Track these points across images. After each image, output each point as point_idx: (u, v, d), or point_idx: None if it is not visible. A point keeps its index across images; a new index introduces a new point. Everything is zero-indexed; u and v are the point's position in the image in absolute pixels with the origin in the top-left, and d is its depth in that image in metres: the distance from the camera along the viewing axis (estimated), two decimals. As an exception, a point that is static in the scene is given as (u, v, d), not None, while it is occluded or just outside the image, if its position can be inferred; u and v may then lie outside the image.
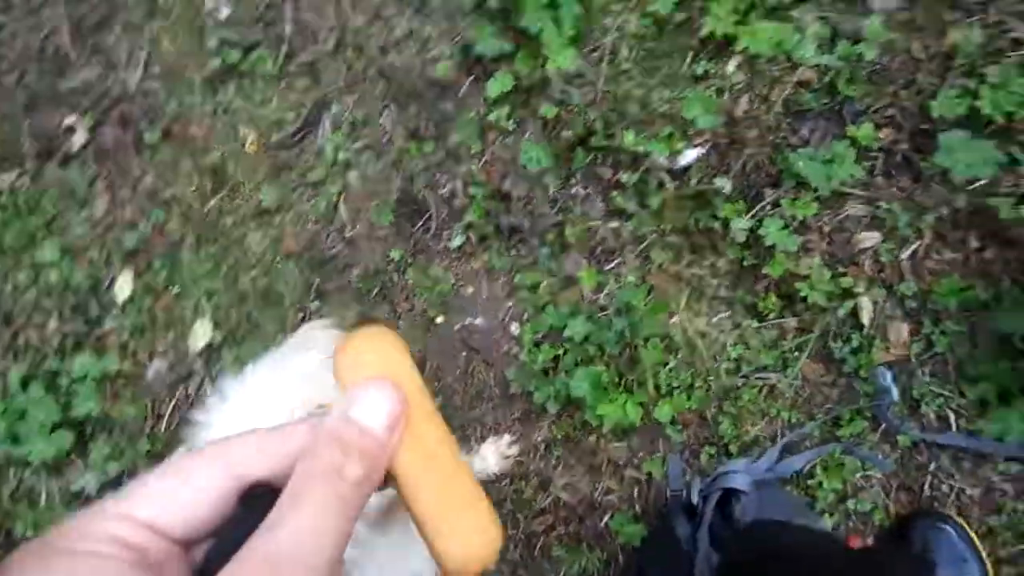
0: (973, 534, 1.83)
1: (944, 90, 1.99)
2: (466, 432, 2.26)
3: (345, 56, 2.48)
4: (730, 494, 1.78)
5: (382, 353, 0.59)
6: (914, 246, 2.02)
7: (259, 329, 2.50)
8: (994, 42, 2.01)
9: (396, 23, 2.45)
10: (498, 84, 2.28)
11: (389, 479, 0.57)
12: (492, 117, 2.32)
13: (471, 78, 2.38)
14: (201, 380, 2.53)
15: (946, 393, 1.94)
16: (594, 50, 2.26)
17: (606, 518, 2.13)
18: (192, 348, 2.53)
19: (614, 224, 2.21)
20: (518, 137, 2.31)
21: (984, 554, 1.81)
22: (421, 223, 2.39)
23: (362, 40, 2.46)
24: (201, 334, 2.54)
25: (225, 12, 2.55)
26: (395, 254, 2.37)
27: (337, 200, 2.46)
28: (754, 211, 2.08)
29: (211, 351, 2.52)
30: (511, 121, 2.31)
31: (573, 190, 2.26)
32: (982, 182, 1.98)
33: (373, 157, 2.45)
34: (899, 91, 2.05)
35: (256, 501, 0.52)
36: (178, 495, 0.51)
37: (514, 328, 2.26)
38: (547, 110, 2.24)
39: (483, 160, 2.34)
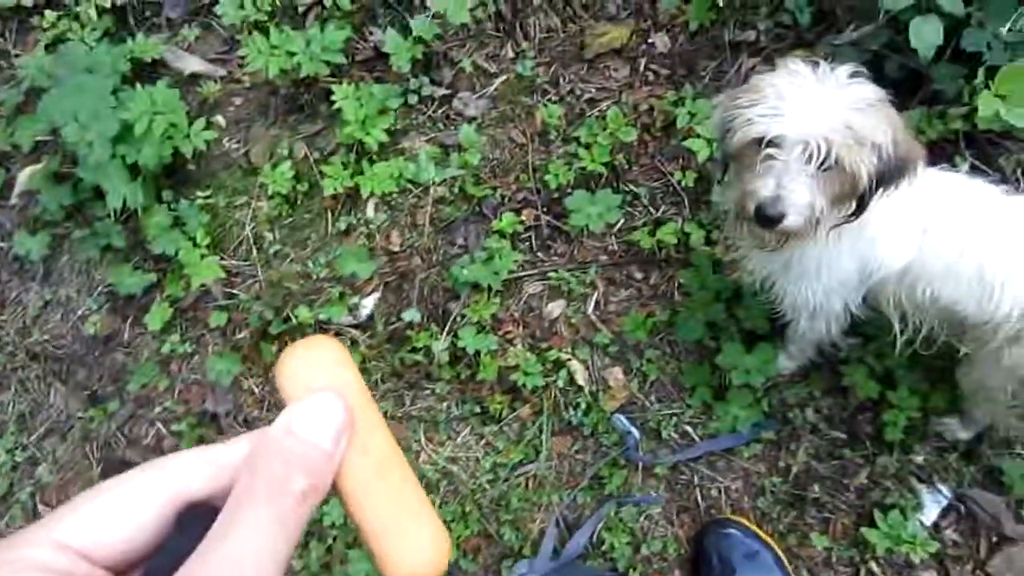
0: (753, 525, 1.94)
1: (553, 161, 2.22)
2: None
3: (-17, 353, 2.26)
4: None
5: (325, 363, 0.57)
6: (594, 298, 2.18)
7: None
8: (573, 108, 2.29)
9: (27, 300, 2.29)
10: (157, 316, 2.19)
11: (335, 490, 0.54)
12: (166, 348, 2.21)
13: (128, 320, 2.26)
14: None
15: (676, 411, 2.08)
16: (239, 245, 2.25)
17: None
18: None
19: (329, 397, 2.16)
20: (202, 355, 2.22)
21: (768, 538, 1.92)
22: (138, 484, 2.18)
23: (-5, 330, 2.26)
24: None
25: None
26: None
27: (34, 503, 2.18)
28: (447, 328, 2.14)
29: None
30: (187, 343, 2.21)
31: (276, 382, 2.19)
32: (620, 223, 2.20)
33: (57, 441, 2.22)
34: (519, 175, 2.24)
35: (194, 522, 0.49)
36: (110, 519, 0.49)
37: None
38: (217, 318, 2.18)
39: (176, 392, 2.21)
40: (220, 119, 2.31)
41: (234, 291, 2.22)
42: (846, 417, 2.02)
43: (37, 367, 2.25)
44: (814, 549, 1.93)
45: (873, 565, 1.89)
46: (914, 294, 1.58)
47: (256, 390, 2.18)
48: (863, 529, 1.90)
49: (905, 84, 2.06)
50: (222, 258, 2.22)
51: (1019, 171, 1.98)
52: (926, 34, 1.81)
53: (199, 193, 2.26)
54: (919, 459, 1.93)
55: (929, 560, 1.87)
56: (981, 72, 1.74)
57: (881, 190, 1.39)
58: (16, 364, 2.25)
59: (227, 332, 2.22)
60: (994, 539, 1.89)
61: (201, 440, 2.16)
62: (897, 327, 1.70)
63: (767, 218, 1.39)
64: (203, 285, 2.19)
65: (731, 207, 1.53)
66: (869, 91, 1.35)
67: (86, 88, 2.06)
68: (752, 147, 1.38)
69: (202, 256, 2.18)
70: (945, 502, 1.92)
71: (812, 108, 1.32)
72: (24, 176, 2.27)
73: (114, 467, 2.17)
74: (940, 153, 1.95)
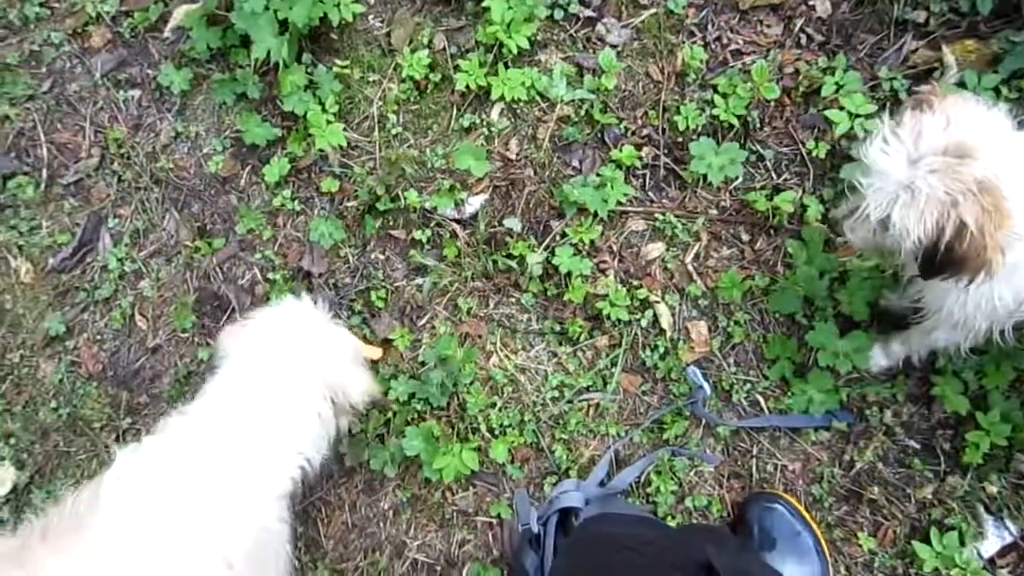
0: (802, 507, 1.92)
1: (685, 104, 2.16)
2: (311, 515, 2.16)
3: (112, 169, 2.39)
4: (568, 514, 1.78)
5: None
6: (695, 249, 2.15)
7: (69, 459, 2.30)
8: (716, 56, 2.22)
9: (160, 128, 2.39)
10: (275, 169, 2.26)
11: None
12: (277, 202, 2.29)
13: (248, 168, 2.35)
14: (14, 525, 2.28)
15: (751, 379, 2.05)
16: (364, 120, 2.30)
17: (464, 570, 2.07)
18: (-4, 495, 2.30)
19: (418, 281, 2.21)
20: (308, 216, 2.30)
21: (814, 524, 1.89)
22: (225, 317, 2.30)
23: (128, 151, 2.38)
24: (4, 480, 2.31)
25: (-30, 147, 2.41)
26: (203, 354, 2.26)
27: (132, 312, 2.33)
28: (545, 243, 2.15)
29: (18, 495, 2.30)
30: (296, 202, 2.29)
31: (372, 255, 2.25)
32: (738, 180, 2.14)
33: (163, 262, 2.35)
34: (648, 112, 2.20)
35: None
36: None
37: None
38: (329, 184, 2.24)
39: (277, 244, 2.30)
40: (371, -6, 2.34)
41: (350, 163, 2.27)
42: (925, 428, 1.95)
43: (158, 191, 2.37)
44: (859, 549, 1.90)
45: (916, 581, 1.85)
46: None
47: (351, 259, 2.25)
48: (915, 543, 1.85)
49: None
50: (345, 128, 2.27)
51: None
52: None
53: (337, 62, 2.30)
54: (992, 489, 1.86)
55: (976, 592, 1.81)
56: None
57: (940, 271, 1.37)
58: (140, 184, 2.37)
59: (336, 200, 2.28)
60: (1051, 589, 1.81)
61: (291, 294, 2.25)
62: None
63: None
64: (322, 150, 2.25)
65: None
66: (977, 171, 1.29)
67: (255, -65, 2.11)
68: None
69: (328, 122, 2.23)
70: (1009, 539, 1.85)
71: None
72: (180, 12, 2.35)
73: (208, 297, 2.30)
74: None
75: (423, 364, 2.15)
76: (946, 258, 1.34)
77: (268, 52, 2.16)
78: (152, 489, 1.50)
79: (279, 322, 1.80)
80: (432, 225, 2.21)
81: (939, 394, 1.90)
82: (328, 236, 2.21)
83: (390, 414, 2.13)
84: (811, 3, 2.19)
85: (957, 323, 1.60)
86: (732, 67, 2.17)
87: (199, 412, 1.65)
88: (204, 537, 1.48)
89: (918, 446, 1.94)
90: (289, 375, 1.71)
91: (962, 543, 1.81)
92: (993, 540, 1.84)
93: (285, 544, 1.71)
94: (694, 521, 1.99)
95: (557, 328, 2.14)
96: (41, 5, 2.49)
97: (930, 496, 1.89)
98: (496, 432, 2.09)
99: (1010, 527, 1.83)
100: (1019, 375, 1.86)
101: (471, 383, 2.10)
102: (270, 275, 2.28)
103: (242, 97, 2.33)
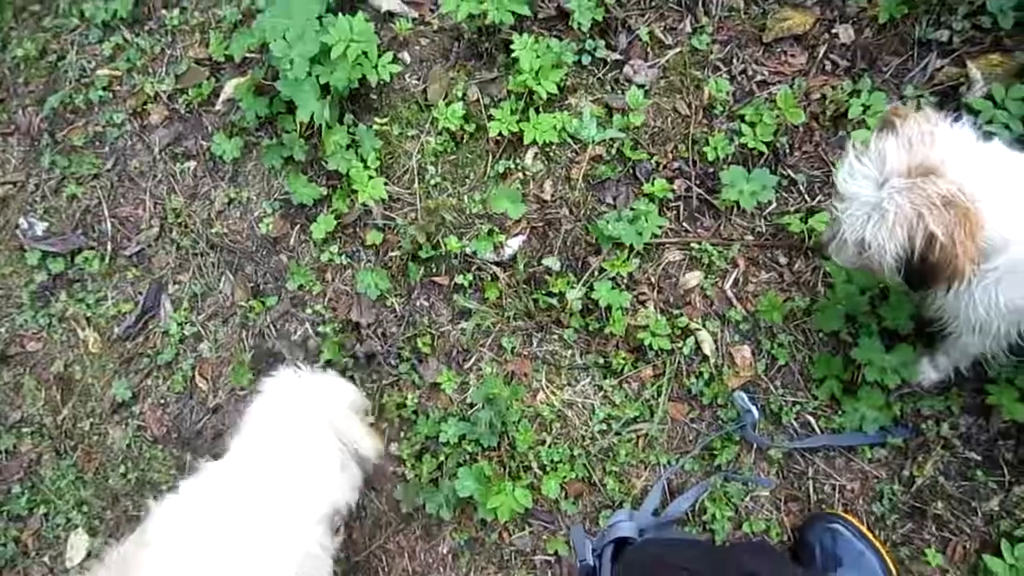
0: (863, 526, 1.88)
1: (714, 136, 2.22)
2: (372, 565, 2.18)
3: (171, 237, 2.53)
4: (622, 545, 1.77)
5: None
6: (733, 275, 2.17)
7: (139, 523, 2.37)
8: (743, 87, 2.28)
9: (215, 196, 2.54)
10: (322, 226, 2.38)
11: None
12: (325, 257, 2.40)
13: (297, 227, 2.47)
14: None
15: (800, 400, 2.04)
16: (404, 173, 2.41)
17: (526, 612, 2.07)
18: (71, 563, 2.37)
19: (462, 324, 2.28)
20: (355, 268, 2.39)
21: (878, 543, 1.85)
22: (281, 374, 2.38)
23: (185, 219, 2.53)
24: (78, 547, 2.39)
25: (40, 228, 2.58)
26: (261, 411, 2.34)
27: (193, 374, 2.44)
28: (584, 279, 2.20)
29: (92, 560, 2.38)
30: (343, 256, 2.39)
31: (417, 303, 2.33)
32: (772, 205, 2.18)
33: (220, 323, 2.46)
34: (678, 145, 2.26)
35: None
36: None
37: (393, 448, 2.24)
38: (373, 236, 2.34)
39: (327, 298, 2.40)
40: (406, 55, 2.47)
41: (392, 215, 2.38)
42: (985, 439, 1.91)
43: (214, 256, 2.50)
44: (928, 566, 1.85)
45: (990, 595, 1.79)
46: None
47: (397, 308, 2.33)
48: (986, 556, 1.79)
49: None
50: (387, 183, 2.38)
51: None
52: None
53: (376, 120, 2.43)
54: (1061, 497, 1.80)
55: (1053, 603, 1.75)
56: None
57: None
58: (197, 251, 2.51)
59: (380, 251, 2.38)
60: None
61: (341, 346, 2.33)
62: None
63: None
64: (366, 204, 2.36)
65: None
66: (941, 186, 1.35)
67: (296, 11, 2.27)
68: None
69: (370, 177, 2.35)
70: (1083, 546, 1.79)
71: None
72: (230, 86, 2.53)
73: (264, 354, 2.39)
74: None
75: (471, 405, 2.20)
76: (922, 269, 1.40)
77: (312, 115, 2.30)
78: (195, 524, 1.59)
79: (283, 387, 1.92)
80: (473, 269, 2.29)
81: (995, 403, 1.86)
82: (374, 286, 2.30)
83: (443, 457, 2.16)
84: (834, 31, 2.25)
85: (975, 327, 1.61)
86: (758, 97, 2.23)
87: (228, 459, 1.78)
88: (247, 565, 1.56)
89: (980, 458, 1.89)
90: (300, 424, 1.83)
91: (1035, 554, 1.75)
92: (1067, 549, 1.78)
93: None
94: (754, 547, 1.96)
95: (601, 361, 2.17)
96: (104, 89, 2.69)
97: (997, 508, 1.84)
98: (547, 468, 2.10)
99: (1083, 534, 1.77)
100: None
101: (519, 421, 2.14)
102: (320, 328, 2.37)
103: (289, 160, 2.46)
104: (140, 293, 2.52)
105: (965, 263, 1.37)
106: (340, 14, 2.31)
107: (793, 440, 2.00)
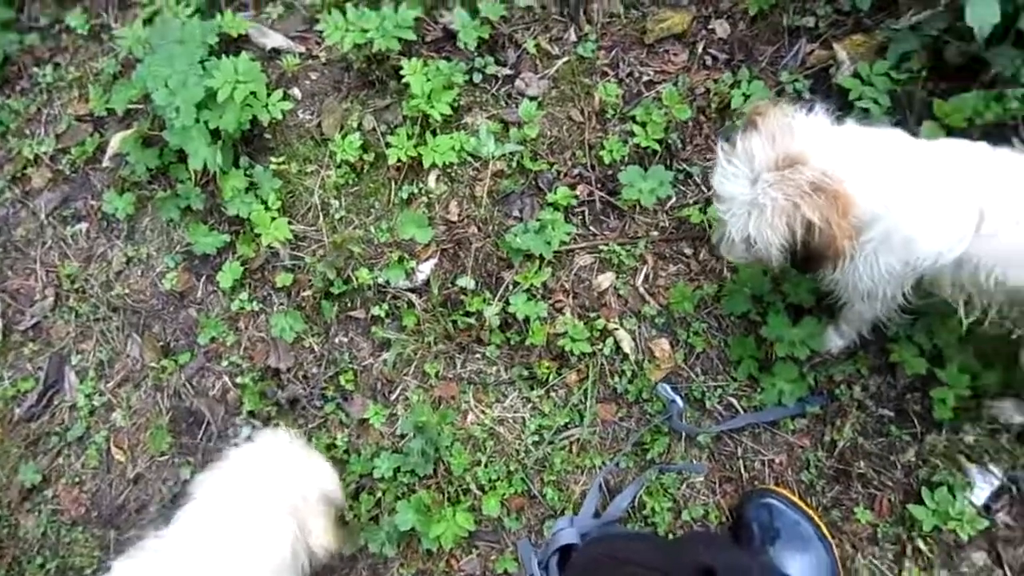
0: (795, 496, 1.94)
1: (608, 139, 2.29)
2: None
3: (69, 305, 2.42)
4: (568, 553, 1.78)
5: None
6: (643, 272, 2.23)
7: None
8: (631, 89, 2.36)
9: (112, 256, 2.45)
10: (229, 274, 2.32)
11: None
12: (235, 306, 2.34)
13: (203, 278, 2.40)
14: None
15: (721, 383, 2.10)
16: (307, 210, 2.38)
17: (484, 635, 2.04)
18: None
19: (384, 355, 2.25)
20: (268, 313, 2.34)
21: (811, 510, 1.92)
22: (202, 431, 2.30)
23: (82, 284, 2.43)
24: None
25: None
26: (186, 472, 2.25)
27: (108, 446, 2.32)
28: (499, 294, 2.22)
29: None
30: (254, 302, 2.33)
31: (336, 340, 2.29)
32: (672, 200, 2.25)
33: (132, 389, 2.36)
34: (575, 152, 2.32)
35: None
36: None
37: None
38: (283, 278, 2.30)
39: (242, 347, 2.33)
40: (296, 91, 2.45)
41: (300, 254, 2.34)
42: (894, 395, 2.01)
43: (117, 319, 2.40)
44: (859, 524, 1.92)
45: (920, 543, 1.87)
46: (977, 279, 1.56)
47: (316, 348, 2.29)
48: (910, 506, 1.88)
49: (964, 69, 2.08)
50: (291, 222, 2.34)
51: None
52: (983, 13, 1.83)
53: (273, 160, 2.40)
54: (969, 439, 1.91)
55: (979, 539, 1.84)
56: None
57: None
58: (98, 316, 2.41)
59: (292, 293, 2.34)
60: (1049, 522, 1.85)
61: (263, 395, 2.27)
62: (962, 310, 1.68)
63: None
64: (272, 247, 2.32)
65: None
66: (807, 174, 1.44)
67: (176, 57, 2.23)
68: None
69: (272, 219, 2.31)
70: (997, 483, 1.89)
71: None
72: (116, 140, 2.45)
73: (183, 415, 2.30)
74: (998, 136, 1.94)
75: (402, 436, 2.17)
76: (806, 254, 1.48)
77: (205, 162, 2.25)
78: None
79: (249, 460, 1.82)
80: (388, 299, 2.27)
81: (898, 360, 1.97)
82: (289, 329, 2.26)
83: (379, 493, 2.13)
84: (711, 27, 2.36)
85: (864, 295, 1.72)
86: (646, 97, 2.31)
87: (171, 536, 1.67)
88: None
89: (892, 413, 1.99)
90: (257, 504, 1.72)
91: (953, 496, 1.85)
92: (982, 488, 1.87)
93: None
94: (696, 533, 2.00)
95: (526, 374, 2.18)
96: (-25, 160, 2.57)
97: (913, 458, 1.94)
98: (486, 488, 2.10)
99: (995, 471, 1.88)
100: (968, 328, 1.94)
101: (452, 445, 2.12)
102: (238, 379, 2.30)
103: (187, 210, 2.40)
104: (40, 368, 2.40)
105: (843, 241, 1.46)
106: (224, 56, 2.28)
107: (719, 423, 2.06)
